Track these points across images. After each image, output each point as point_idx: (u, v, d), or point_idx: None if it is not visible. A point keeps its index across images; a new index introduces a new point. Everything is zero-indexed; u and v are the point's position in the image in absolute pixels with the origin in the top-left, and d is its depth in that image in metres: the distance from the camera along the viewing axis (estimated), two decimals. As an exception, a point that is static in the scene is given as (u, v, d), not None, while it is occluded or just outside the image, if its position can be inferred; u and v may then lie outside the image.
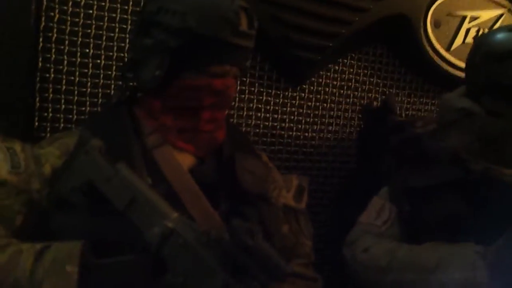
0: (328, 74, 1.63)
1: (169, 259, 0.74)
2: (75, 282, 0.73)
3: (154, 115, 0.96)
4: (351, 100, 1.67)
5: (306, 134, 1.61)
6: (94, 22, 1.27)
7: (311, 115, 1.61)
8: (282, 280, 0.71)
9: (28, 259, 0.76)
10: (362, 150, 1.61)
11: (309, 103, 1.60)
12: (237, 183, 0.95)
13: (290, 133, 1.58)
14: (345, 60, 1.65)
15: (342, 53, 1.61)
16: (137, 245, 0.77)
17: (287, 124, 1.57)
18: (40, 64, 1.22)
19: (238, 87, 1.47)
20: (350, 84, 1.66)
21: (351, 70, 1.66)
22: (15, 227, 0.85)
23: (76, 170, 0.84)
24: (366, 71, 1.69)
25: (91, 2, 1.26)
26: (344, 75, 1.65)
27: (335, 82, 1.64)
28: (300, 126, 1.59)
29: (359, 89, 1.68)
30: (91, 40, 1.27)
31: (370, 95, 1.70)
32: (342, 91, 1.65)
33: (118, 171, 0.81)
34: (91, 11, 1.27)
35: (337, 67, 1.63)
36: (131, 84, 0.99)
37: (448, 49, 1.70)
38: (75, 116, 1.25)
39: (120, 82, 1.01)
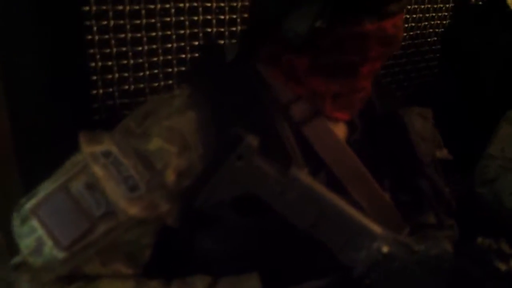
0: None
1: (378, 285, 0.61)
2: None
3: (298, 78, 0.69)
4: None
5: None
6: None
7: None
8: None
9: None
10: (450, 57, 1.47)
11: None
12: (408, 151, 0.74)
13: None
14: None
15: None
16: (323, 269, 0.63)
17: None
18: None
19: None
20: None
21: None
22: (144, 261, 0.66)
23: (228, 180, 0.62)
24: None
25: None
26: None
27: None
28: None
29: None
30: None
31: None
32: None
33: (293, 181, 0.61)
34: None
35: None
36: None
37: None
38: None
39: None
